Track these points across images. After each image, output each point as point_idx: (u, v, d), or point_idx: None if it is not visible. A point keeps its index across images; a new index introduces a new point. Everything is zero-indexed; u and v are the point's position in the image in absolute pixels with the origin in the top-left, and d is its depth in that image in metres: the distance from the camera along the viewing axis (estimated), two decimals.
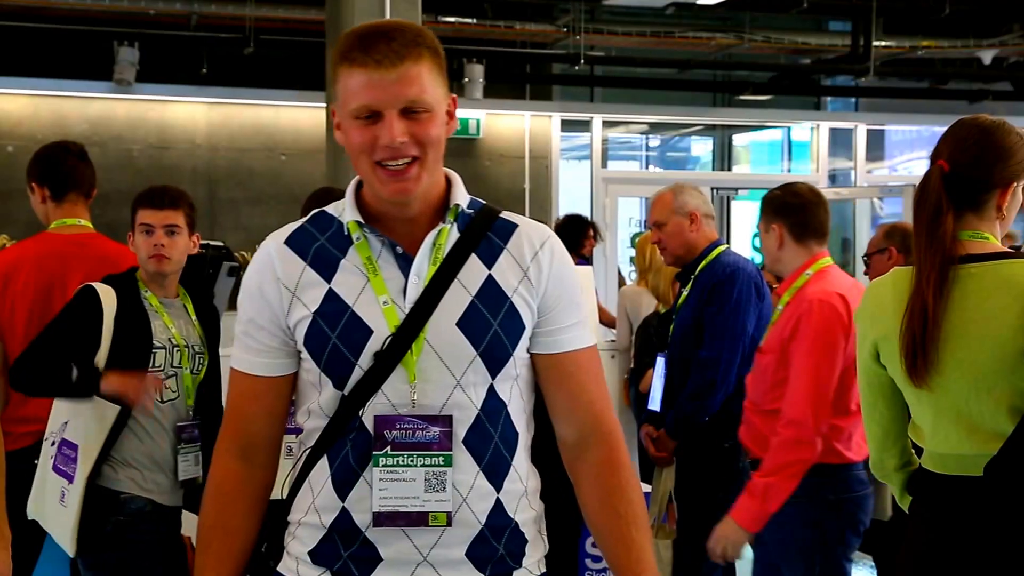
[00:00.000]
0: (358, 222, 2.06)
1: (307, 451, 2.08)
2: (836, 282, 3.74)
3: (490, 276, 2.06)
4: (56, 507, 3.60)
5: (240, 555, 2.12)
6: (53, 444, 3.63)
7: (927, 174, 2.64)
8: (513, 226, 2.12)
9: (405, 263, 2.04)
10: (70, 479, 3.57)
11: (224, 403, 2.22)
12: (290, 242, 2.09)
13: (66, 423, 3.62)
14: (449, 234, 2.07)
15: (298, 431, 2.10)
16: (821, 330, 3.62)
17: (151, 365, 3.63)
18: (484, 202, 2.15)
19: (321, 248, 2.07)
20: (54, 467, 3.62)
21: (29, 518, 3.69)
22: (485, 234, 2.09)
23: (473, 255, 2.07)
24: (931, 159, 2.69)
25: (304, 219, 2.14)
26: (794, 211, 3.83)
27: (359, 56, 1.96)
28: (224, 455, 2.13)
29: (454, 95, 2.08)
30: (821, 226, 3.84)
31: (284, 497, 2.14)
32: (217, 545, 2.11)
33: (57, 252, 4.08)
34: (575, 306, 2.14)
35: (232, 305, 6.45)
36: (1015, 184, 2.67)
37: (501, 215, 2.13)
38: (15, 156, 9.92)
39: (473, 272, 2.06)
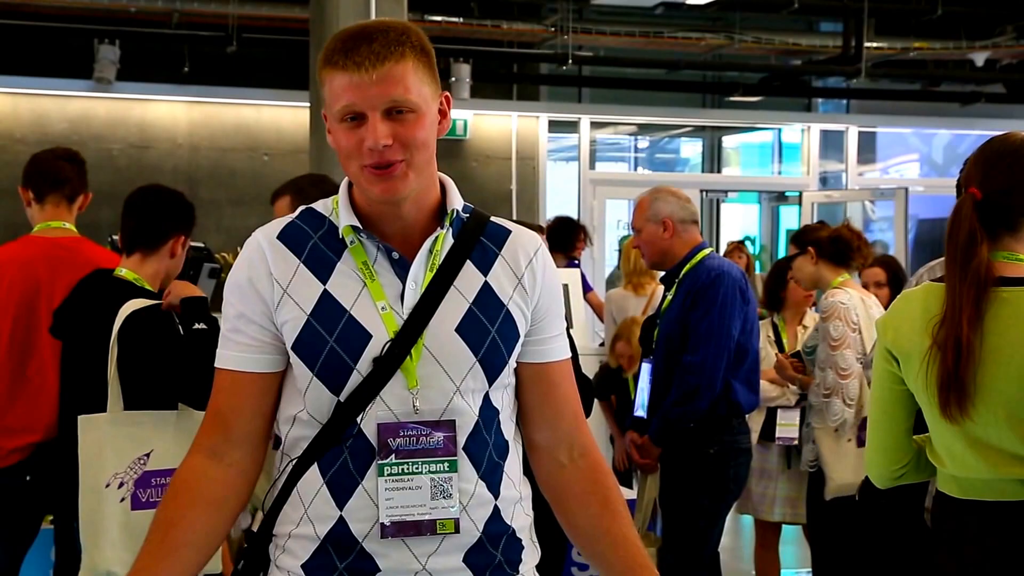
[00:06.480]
0: (353, 226, 2.02)
1: (293, 461, 2.02)
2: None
3: (486, 283, 2.05)
4: None
5: (180, 549, 1.98)
6: (122, 485, 3.38)
7: (960, 202, 2.57)
8: (506, 232, 2.12)
9: (401, 269, 2.01)
10: None
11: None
12: (283, 237, 2.04)
13: (148, 454, 3.41)
14: (444, 239, 2.05)
15: None
16: None
17: None
18: (473, 206, 2.12)
19: (315, 247, 2.03)
20: (144, 504, 3.37)
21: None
22: (479, 239, 2.08)
23: (468, 261, 2.05)
24: (962, 184, 2.63)
25: (293, 215, 2.08)
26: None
27: (340, 59, 1.94)
28: (193, 449, 2.05)
29: (446, 93, 2.06)
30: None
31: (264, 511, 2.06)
32: (154, 535, 1.98)
33: (43, 256, 4.03)
34: (561, 317, 2.17)
35: (214, 307, 6.36)
36: None
37: (491, 220, 2.13)
38: None
39: (470, 279, 2.04)
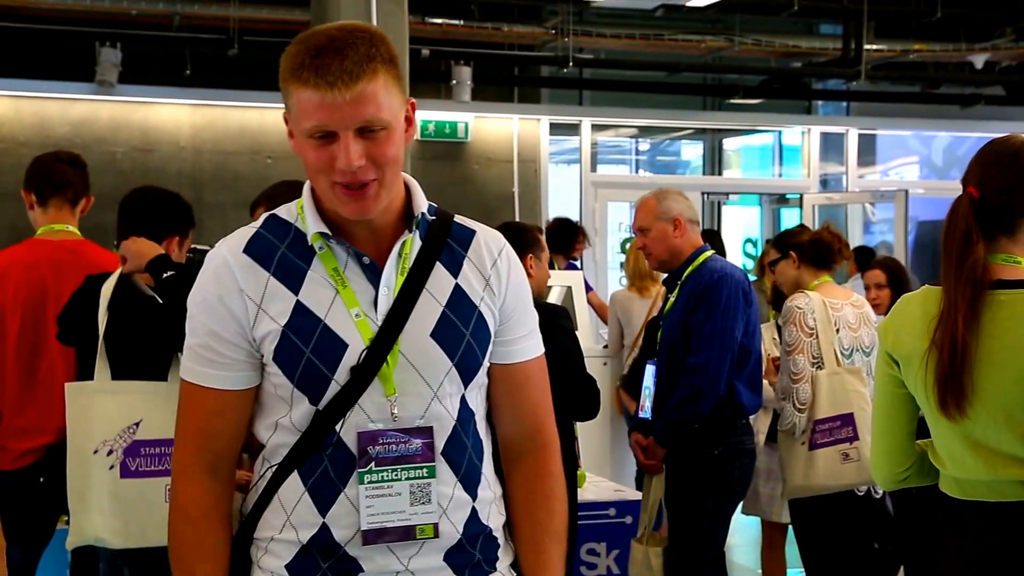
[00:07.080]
0: (321, 233, 2.00)
1: (273, 467, 2.02)
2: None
3: (457, 285, 2.05)
4: (159, 506, 3.33)
5: (224, 572, 2.03)
6: (111, 453, 3.43)
7: (956, 201, 2.58)
8: (471, 232, 2.12)
9: (373, 274, 2.01)
10: None
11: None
12: (250, 251, 2.01)
13: (138, 424, 3.45)
14: (413, 243, 2.04)
15: None
16: None
17: None
18: (437, 206, 2.11)
19: (284, 257, 2.00)
20: (133, 473, 3.42)
21: (75, 547, 3.46)
22: (446, 241, 2.08)
23: (438, 263, 2.05)
24: (962, 183, 2.63)
25: (257, 225, 2.05)
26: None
27: (310, 76, 1.89)
28: (189, 472, 2.03)
29: (412, 100, 2.04)
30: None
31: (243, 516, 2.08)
32: (201, 567, 2.01)
33: (48, 258, 4.04)
34: (529, 315, 2.16)
35: None
36: None
37: (455, 220, 2.12)
38: None
39: (441, 281, 2.04)
